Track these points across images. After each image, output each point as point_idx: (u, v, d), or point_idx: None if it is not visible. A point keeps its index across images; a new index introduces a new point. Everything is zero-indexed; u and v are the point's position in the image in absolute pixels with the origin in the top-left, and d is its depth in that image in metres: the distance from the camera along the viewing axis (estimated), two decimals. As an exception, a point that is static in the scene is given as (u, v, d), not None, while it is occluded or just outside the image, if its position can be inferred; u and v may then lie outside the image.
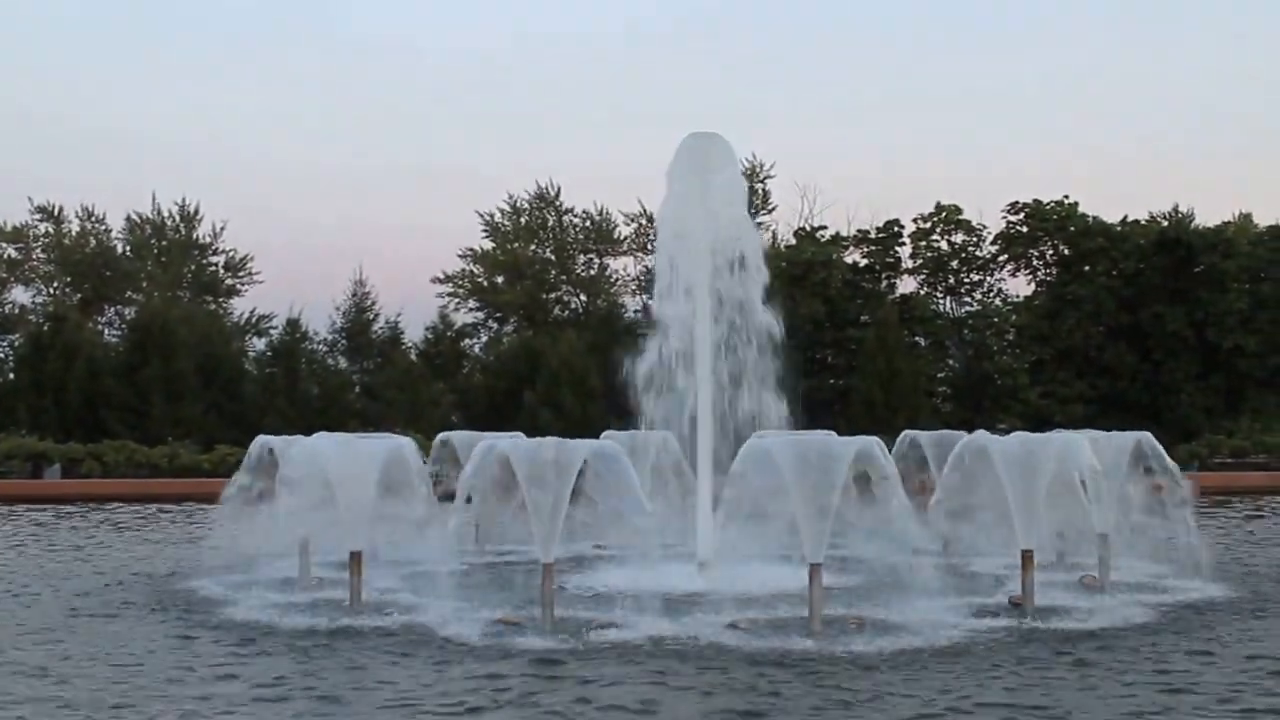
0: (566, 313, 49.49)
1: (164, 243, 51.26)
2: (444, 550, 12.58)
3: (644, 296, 45.92)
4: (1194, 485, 13.02)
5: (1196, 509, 13.18)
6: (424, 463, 12.72)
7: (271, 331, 46.86)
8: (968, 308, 44.42)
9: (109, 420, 35.88)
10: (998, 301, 44.40)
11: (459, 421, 38.91)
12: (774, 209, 51.63)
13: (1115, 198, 66.91)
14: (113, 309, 49.93)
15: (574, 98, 66.87)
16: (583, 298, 50.19)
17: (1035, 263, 44.12)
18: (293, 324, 43.17)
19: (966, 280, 44.42)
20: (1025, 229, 43.39)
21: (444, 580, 11.60)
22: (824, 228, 46.04)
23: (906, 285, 44.52)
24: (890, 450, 11.78)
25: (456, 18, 69.08)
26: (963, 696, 7.56)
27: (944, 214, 43.66)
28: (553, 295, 50.50)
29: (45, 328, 40.15)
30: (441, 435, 16.40)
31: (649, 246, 47.72)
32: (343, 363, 46.00)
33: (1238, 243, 41.49)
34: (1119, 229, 42.61)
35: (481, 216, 50.93)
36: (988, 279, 44.59)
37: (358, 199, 65.70)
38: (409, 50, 68.25)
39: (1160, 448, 12.86)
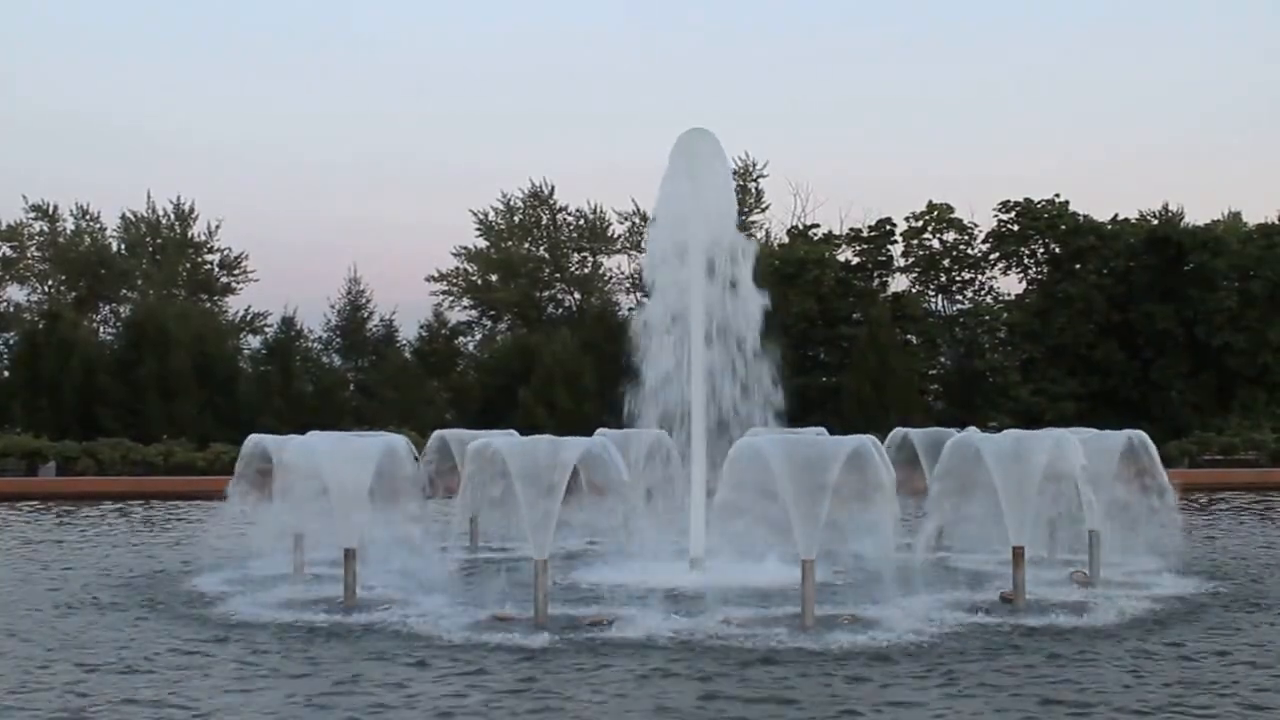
0: (561, 311, 49.59)
1: (159, 241, 51.27)
2: (438, 547, 12.69)
3: (638, 295, 46.02)
4: (1177, 484, 13.11)
5: (1187, 506, 13.29)
6: (418, 461, 12.81)
7: (266, 329, 46.95)
8: (959, 306, 44.56)
9: (104, 418, 35.87)
10: (989, 299, 44.55)
11: (453, 419, 38.98)
12: (767, 208, 51.82)
13: (1106, 196, 67.30)
14: (108, 307, 49.93)
15: (568, 96, 66.95)
16: (577, 296, 50.26)
17: (1026, 261, 44.28)
18: (287, 322, 43.24)
19: (958, 278, 44.56)
20: (1016, 227, 43.53)
21: (438, 577, 11.70)
22: (816, 226, 46.20)
23: (898, 283, 44.71)
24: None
25: (451, 16, 69.10)
26: (955, 692, 7.66)
27: (936, 213, 43.79)
28: (547, 293, 50.59)
29: (40, 326, 40.15)
30: (436, 433, 16.45)
31: (643, 245, 47.81)
32: (337, 361, 46.08)
33: (1227, 241, 41.63)
34: (1109, 227, 42.77)
35: (475, 215, 51.01)
36: (979, 277, 44.74)
37: (352, 197, 65.78)
38: (404, 48, 68.28)
39: (1152, 445, 12.96)
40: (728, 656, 8.69)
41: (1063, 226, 42.65)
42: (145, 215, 51.26)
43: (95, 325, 47.78)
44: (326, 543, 12.27)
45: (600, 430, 14.15)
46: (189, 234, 51.59)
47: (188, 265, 51.20)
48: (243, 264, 51.54)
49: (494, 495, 11.69)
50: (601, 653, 8.83)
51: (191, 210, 51.51)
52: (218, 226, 51.36)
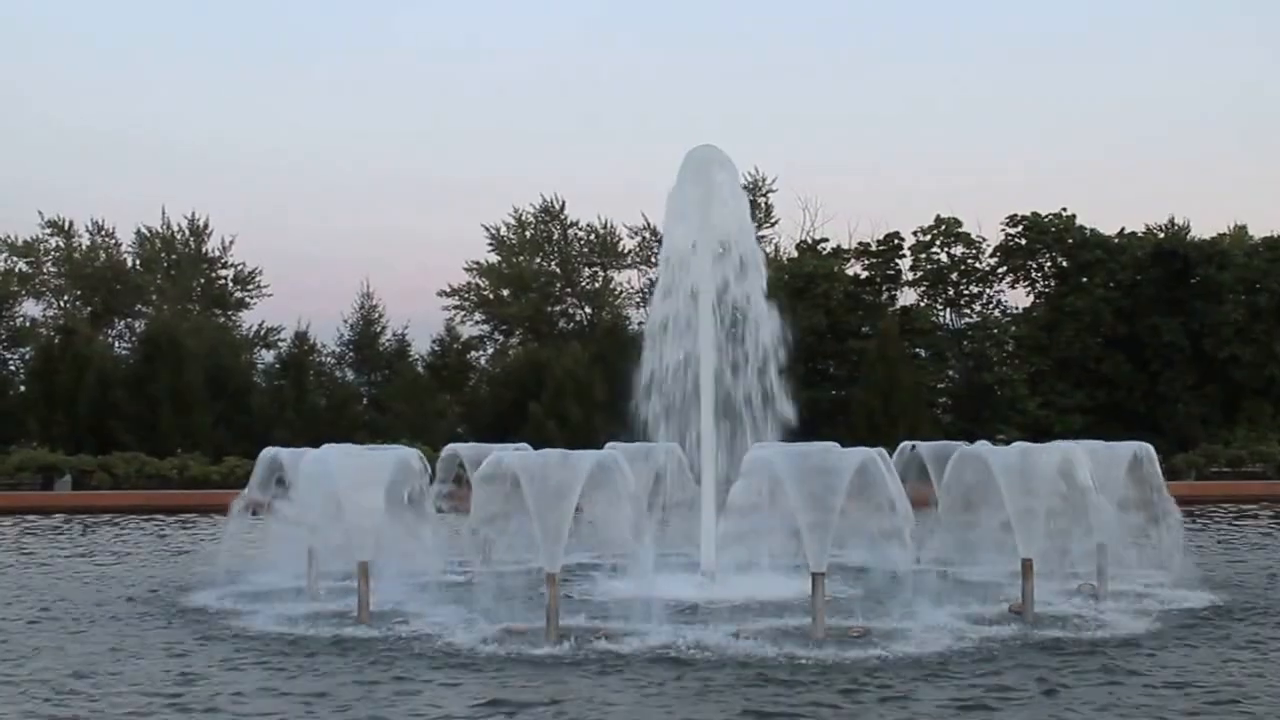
0: (571, 325, 49.75)
1: (173, 256, 51.57)
2: (450, 561, 12.81)
3: (646, 310, 46.09)
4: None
5: (1194, 519, 13.33)
6: (431, 475, 12.94)
7: (280, 344, 47.17)
8: (967, 319, 44.64)
9: (119, 432, 36.11)
10: (997, 313, 44.63)
11: (465, 433, 39.15)
12: (776, 222, 51.96)
13: (1112, 210, 67.31)
14: (122, 322, 50.17)
15: (579, 112, 67.24)
16: (587, 310, 50.44)
17: (1034, 274, 44.36)
18: (301, 336, 43.52)
19: (966, 292, 44.64)
20: (1024, 241, 43.63)
21: (451, 590, 11.81)
22: (825, 240, 46.35)
23: (907, 297, 44.82)
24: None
25: (462, 33, 69.51)
26: (964, 704, 7.77)
27: (944, 227, 43.90)
28: (558, 308, 50.76)
29: (56, 341, 40.45)
30: (449, 447, 16.55)
31: (652, 259, 47.96)
32: (350, 375, 46.29)
33: (1233, 254, 41.68)
34: (1116, 241, 42.85)
35: (487, 230, 51.25)
36: (987, 291, 44.83)
37: (365, 212, 66.04)
38: (418, 65, 68.65)
39: (1156, 458, 13.04)
40: (737, 668, 8.81)
41: (1070, 240, 42.74)
42: (160, 231, 51.58)
43: (110, 340, 48.02)
44: (340, 556, 12.38)
45: (611, 443, 14.28)
46: (203, 249, 51.88)
47: (202, 280, 51.47)
48: (256, 279, 51.83)
49: (506, 509, 11.84)
50: (613, 665, 8.95)
51: (205, 225, 51.85)
52: (231, 242, 51.72)
